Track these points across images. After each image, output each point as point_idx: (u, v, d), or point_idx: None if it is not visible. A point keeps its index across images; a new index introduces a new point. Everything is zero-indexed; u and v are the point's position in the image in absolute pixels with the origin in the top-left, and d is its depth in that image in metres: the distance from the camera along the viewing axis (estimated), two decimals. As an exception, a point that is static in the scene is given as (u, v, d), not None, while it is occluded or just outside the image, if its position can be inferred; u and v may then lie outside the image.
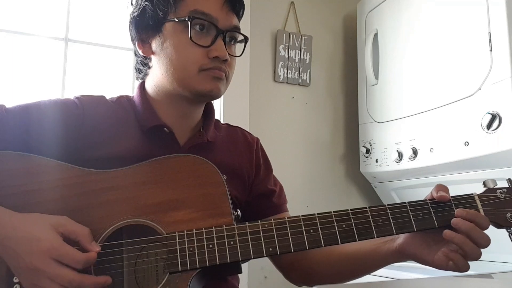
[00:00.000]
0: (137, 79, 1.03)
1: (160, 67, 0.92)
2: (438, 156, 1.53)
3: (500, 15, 1.38)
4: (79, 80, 1.80)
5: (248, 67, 1.91)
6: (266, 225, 0.80)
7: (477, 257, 0.78)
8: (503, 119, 1.32)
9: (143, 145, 0.91)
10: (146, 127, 0.92)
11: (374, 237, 0.81)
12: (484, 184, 0.85)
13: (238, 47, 0.97)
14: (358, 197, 2.09)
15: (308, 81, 2.03)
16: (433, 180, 1.60)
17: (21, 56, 1.73)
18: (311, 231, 0.80)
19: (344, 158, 2.09)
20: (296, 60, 2.01)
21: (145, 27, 0.94)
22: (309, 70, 2.03)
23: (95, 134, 0.89)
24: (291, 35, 2.01)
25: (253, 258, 0.79)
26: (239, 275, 0.92)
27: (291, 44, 2.00)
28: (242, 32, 0.95)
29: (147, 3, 0.92)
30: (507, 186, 0.84)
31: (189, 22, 0.88)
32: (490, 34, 1.40)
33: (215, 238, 0.78)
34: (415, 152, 1.63)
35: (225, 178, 0.84)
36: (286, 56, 1.99)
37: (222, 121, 1.10)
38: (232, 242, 0.78)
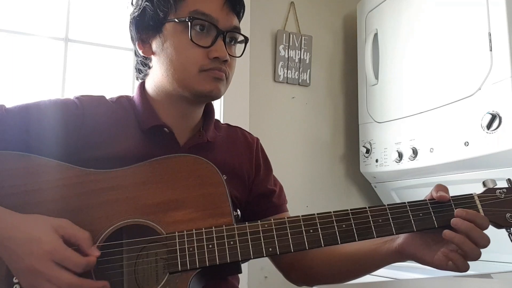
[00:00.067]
0: (137, 79, 1.03)
1: (160, 67, 0.92)
2: (438, 156, 1.53)
3: (500, 15, 1.38)
4: (79, 80, 1.80)
5: (248, 67, 1.91)
6: (266, 225, 0.80)
7: (476, 257, 0.78)
8: (503, 119, 1.32)
9: (143, 145, 0.91)
10: (146, 127, 0.92)
11: (374, 237, 0.81)
12: (484, 184, 0.85)
13: (238, 48, 0.97)
14: (358, 197, 2.09)
15: (308, 81, 2.03)
16: (433, 180, 1.60)
17: (21, 56, 1.73)
18: (311, 231, 0.80)
19: (344, 158, 2.09)
20: (296, 60, 2.01)
21: (145, 27, 0.94)
22: (309, 70, 2.03)
23: (95, 134, 0.89)
24: (291, 35, 2.01)
25: (253, 258, 0.79)
26: (239, 275, 0.92)
27: (291, 44, 2.00)
28: (242, 32, 0.96)
29: (147, 3, 0.92)
30: (507, 186, 0.84)
31: (189, 23, 0.88)
32: (490, 34, 1.40)
33: (215, 238, 0.78)
34: (415, 152, 1.63)
35: (225, 178, 0.84)
36: (286, 56, 1.99)
37: (222, 121, 1.10)
38: (232, 242, 0.78)
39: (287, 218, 0.81)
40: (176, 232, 0.78)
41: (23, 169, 0.80)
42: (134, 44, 0.97)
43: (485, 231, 0.79)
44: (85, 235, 0.74)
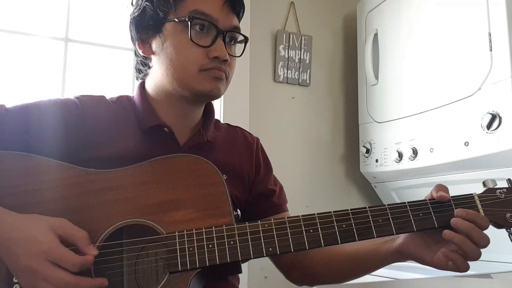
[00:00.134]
0: (137, 79, 1.03)
1: (160, 67, 0.92)
2: (438, 156, 1.53)
3: (500, 15, 1.38)
4: (79, 80, 1.80)
5: (248, 67, 1.91)
6: (266, 225, 0.80)
7: (476, 257, 0.78)
8: (503, 119, 1.32)
9: (143, 145, 0.91)
10: (146, 127, 0.92)
11: (374, 237, 0.81)
12: (484, 184, 0.85)
13: (238, 48, 0.97)
14: (358, 197, 2.09)
15: (308, 81, 2.03)
16: (433, 180, 1.60)
17: (21, 56, 1.73)
18: (311, 231, 0.80)
19: (344, 158, 2.09)
20: (296, 60, 2.01)
21: (145, 27, 0.94)
22: (309, 70, 2.03)
23: (95, 134, 0.89)
24: (291, 35, 2.01)
25: (253, 258, 0.79)
26: (239, 275, 0.92)
27: (291, 44, 2.00)
28: (242, 32, 0.96)
29: (147, 3, 0.92)
30: (507, 186, 0.84)
31: (189, 22, 0.88)
32: (490, 34, 1.40)
33: (215, 238, 0.78)
34: (415, 152, 1.63)
35: (225, 178, 0.84)
36: (286, 56, 1.99)
37: (222, 121, 1.10)
38: (232, 242, 0.78)
39: (287, 218, 0.81)
40: (176, 232, 0.78)
41: (23, 169, 0.80)
42: (134, 44, 0.97)
43: (485, 231, 0.79)
44: (82, 234, 0.74)
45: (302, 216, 0.81)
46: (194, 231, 0.78)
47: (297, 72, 2.01)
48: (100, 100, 0.95)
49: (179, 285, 0.75)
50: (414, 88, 1.67)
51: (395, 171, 1.74)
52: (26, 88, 1.72)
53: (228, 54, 0.91)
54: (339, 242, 0.80)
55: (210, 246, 0.77)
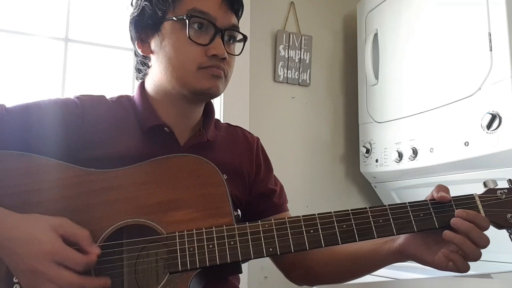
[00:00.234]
0: (137, 79, 1.03)
1: (159, 66, 0.92)
2: (438, 156, 1.53)
3: (500, 15, 1.38)
4: (79, 80, 1.80)
5: (248, 67, 1.91)
6: (266, 225, 0.80)
7: (477, 257, 0.78)
8: (503, 119, 1.32)
9: (143, 145, 0.91)
10: (146, 126, 0.92)
11: (375, 238, 0.81)
12: (485, 184, 0.85)
13: (237, 47, 0.97)
14: (358, 197, 2.09)
15: (308, 81, 2.03)
16: (433, 180, 1.60)
17: (21, 56, 1.73)
18: (312, 231, 0.80)
19: (344, 158, 2.09)
20: (296, 60, 2.01)
21: (144, 26, 0.94)
22: (309, 70, 2.03)
23: (95, 134, 0.89)
24: (291, 35, 2.01)
25: (253, 258, 0.79)
26: (239, 275, 0.92)
27: (291, 44, 2.00)
28: (241, 31, 0.95)
29: (146, 2, 0.92)
30: (508, 186, 0.84)
31: (187, 21, 0.88)
32: (490, 34, 1.40)
33: (215, 238, 0.78)
34: (415, 152, 1.63)
35: (225, 177, 0.84)
36: (286, 56, 1.99)
37: (222, 121, 1.10)
38: (232, 242, 0.78)
39: (288, 218, 0.81)
40: (177, 232, 0.78)
41: (23, 169, 0.80)
42: (134, 44, 0.97)
43: (485, 232, 0.79)
44: (84, 233, 0.74)
45: (302, 216, 0.81)
46: (194, 231, 0.78)
47: (297, 72, 2.01)
48: (100, 100, 0.95)
49: (179, 285, 0.75)
50: (414, 88, 1.67)
51: (395, 171, 1.74)
52: (26, 88, 1.72)
53: (227, 52, 0.91)
54: (340, 243, 0.80)
55: (211, 246, 0.77)
